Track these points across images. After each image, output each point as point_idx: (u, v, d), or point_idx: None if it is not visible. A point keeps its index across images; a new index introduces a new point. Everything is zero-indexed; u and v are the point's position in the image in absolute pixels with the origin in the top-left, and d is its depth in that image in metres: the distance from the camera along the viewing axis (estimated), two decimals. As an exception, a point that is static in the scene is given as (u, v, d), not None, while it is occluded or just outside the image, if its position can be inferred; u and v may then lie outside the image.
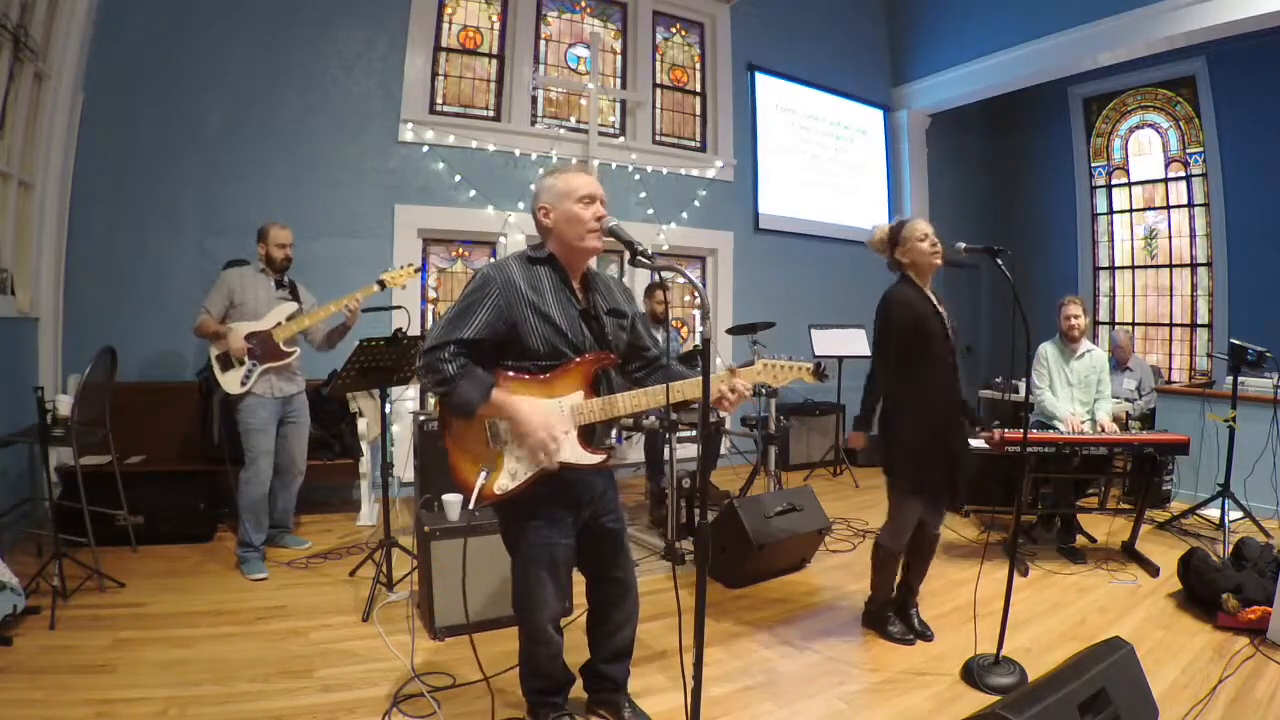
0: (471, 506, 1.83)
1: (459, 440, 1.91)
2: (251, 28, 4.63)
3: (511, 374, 1.85)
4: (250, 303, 3.46)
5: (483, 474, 1.84)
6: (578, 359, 1.87)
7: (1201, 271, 7.11)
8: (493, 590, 2.82)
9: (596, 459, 1.90)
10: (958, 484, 2.72)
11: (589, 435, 1.91)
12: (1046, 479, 3.85)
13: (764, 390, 4.47)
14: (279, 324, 3.47)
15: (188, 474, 4.02)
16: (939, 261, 2.70)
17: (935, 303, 2.71)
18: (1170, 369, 7.31)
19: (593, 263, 2.03)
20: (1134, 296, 7.69)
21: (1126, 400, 5.37)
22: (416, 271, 3.70)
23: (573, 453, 1.86)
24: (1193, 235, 7.16)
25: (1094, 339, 5.06)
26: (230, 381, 3.39)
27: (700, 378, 1.64)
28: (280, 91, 4.73)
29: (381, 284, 3.46)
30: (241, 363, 3.40)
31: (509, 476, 1.85)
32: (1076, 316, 4.01)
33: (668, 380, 1.86)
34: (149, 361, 4.38)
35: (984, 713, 1.69)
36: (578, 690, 2.22)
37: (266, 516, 3.52)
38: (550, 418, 1.82)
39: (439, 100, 5.35)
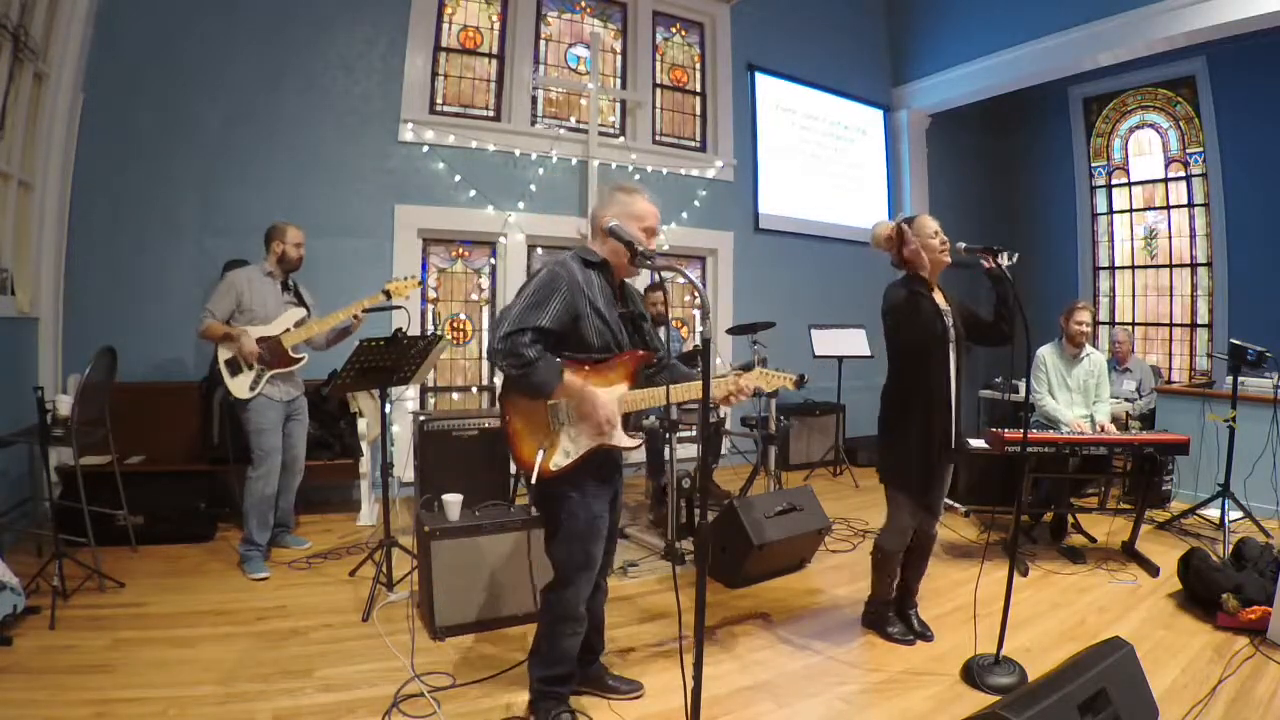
0: (532, 482, 2.02)
1: (523, 422, 2.05)
2: (251, 28, 4.63)
3: (570, 363, 2.03)
4: (259, 307, 3.43)
5: (540, 452, 2.01)
6: (623, 354, 2.07)
7: (1201, 271, 7.10)
8: (493, 590, 2.82)
9: (635, 443, 2.11)
10: (940, 488, 2.70)
11: (626, 423, 2.12)
12: (1043, 479, 3.85)
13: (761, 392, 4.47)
14: (288, 330, 3.47)
15: (188, 474, 4.01)
16: (947, 260, 2.67)
17: (939, 303, 2.66)
18: (1170, 369, 7.30)
19: None
20: (1134, 296, 7.68)
21: (1126, 400, 5.37)
22: (418, 284, 3.80)
23: (618, 436, 2.07)
24: (1193, 235, 7.15)
25: (1094, 339, 5.06)
26: (239, 386, 3.38)
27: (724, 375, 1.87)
28: (280, 91, 4.73)
29: (387, 294, 3.50)
30: (251, 367, 3.39)
31: (564, 455, 2.03)
32: (1087, 324, 4.01)
33: (671, 378, 2.03)
34: (149, 361, 4.37)
35: (984, 713, 1.69)
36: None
37: (271, 515, 3.52)
38: (613, 404, 2.03)
39: (439, 100, 5.35)
